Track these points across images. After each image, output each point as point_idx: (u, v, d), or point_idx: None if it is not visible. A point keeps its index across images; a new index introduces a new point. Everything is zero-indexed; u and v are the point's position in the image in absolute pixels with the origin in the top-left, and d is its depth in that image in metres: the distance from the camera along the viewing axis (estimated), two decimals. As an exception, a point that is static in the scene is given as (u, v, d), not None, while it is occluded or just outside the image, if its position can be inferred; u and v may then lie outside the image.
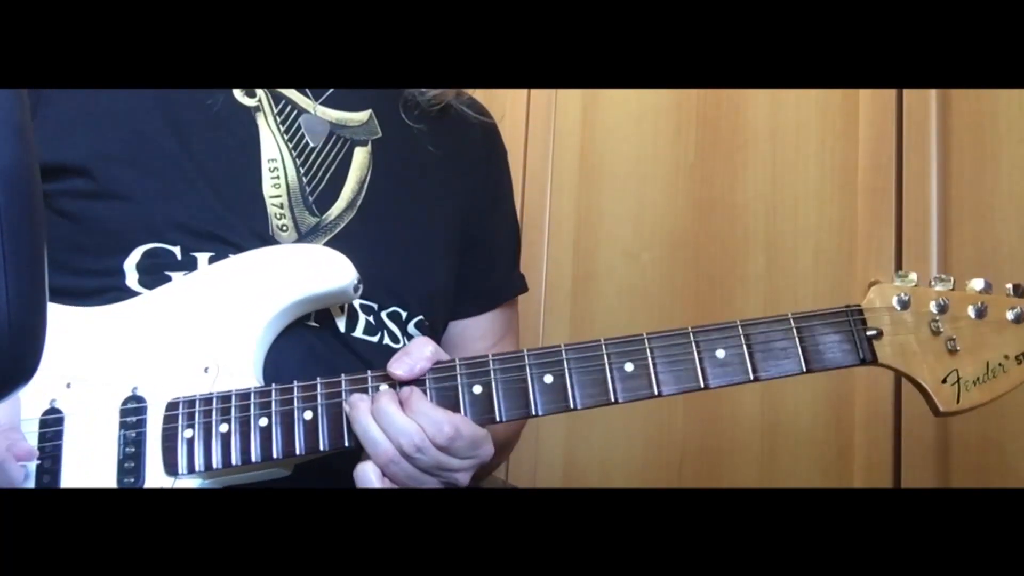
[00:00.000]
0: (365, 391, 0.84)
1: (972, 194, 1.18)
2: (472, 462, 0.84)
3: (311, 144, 0.98)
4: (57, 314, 0.86)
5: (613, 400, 0.83)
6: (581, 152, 1.55)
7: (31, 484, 0.82)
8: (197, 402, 0.84)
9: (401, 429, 0.81)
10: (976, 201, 1.17)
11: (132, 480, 0.82)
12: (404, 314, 0.98)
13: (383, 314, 0.97)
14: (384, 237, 0.97)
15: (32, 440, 0.83)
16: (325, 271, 0.89)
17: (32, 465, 0.82)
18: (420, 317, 1.00)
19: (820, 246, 1.30)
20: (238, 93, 0.97)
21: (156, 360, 0.86)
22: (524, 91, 1.63)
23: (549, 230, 1.56)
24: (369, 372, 0.85)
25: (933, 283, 0.86)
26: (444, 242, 1.04)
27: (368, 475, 0.82)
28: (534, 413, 0.84)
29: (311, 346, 0.91)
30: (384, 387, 0.84)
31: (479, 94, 1.16)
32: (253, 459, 0.83)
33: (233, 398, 0.84)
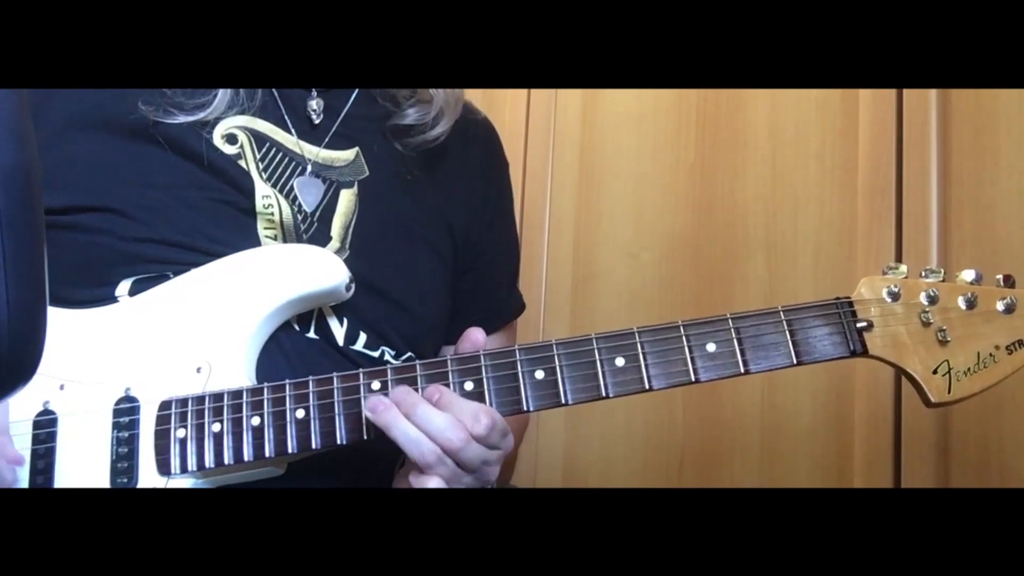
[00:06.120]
0: (357, 389, 0.84)
1: (972, 194, 1.17)
2: (501, 452, 0.84)
3: (305, 207, 0.96)
4: (50, 316, 0.86)
5: (604, 395, 0.83)
6: (581, 152, 1.55)
7: (25, 484, 0.82)
8: (190, 402, 0.84)
9: (442, 426, 0.80)
10: (976, 201, 1.17)
11: (125, 480, 0.82)
12: (392, 353, 0.97)
13: (373, 356, 0.96)
14: (371, 281, 0.95)
15: (26, 441, 0.83)
16: (316, 270, 0.89)
17: (23, 470, 0.82)
18: (408, 354, 0.99)
19: (820, 246, 1.29)
20: (219, 142, 0.95)
21: (149, 360, 0.86)
22: (524, 91, 1.62)
23: (549, 230, 1.55)
24: (361, 370, 0.85)
25: (923, 275, 0.86)
26: (435, 275, 1.02)
27: (425, 485, 0.80)
28: (525, 409, 0.84)
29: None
30: (397, 386, 0.83)
31: (479, 94, 1.15)
32: (246, 458, 0.83)
33: (225, 397, 0.84)
